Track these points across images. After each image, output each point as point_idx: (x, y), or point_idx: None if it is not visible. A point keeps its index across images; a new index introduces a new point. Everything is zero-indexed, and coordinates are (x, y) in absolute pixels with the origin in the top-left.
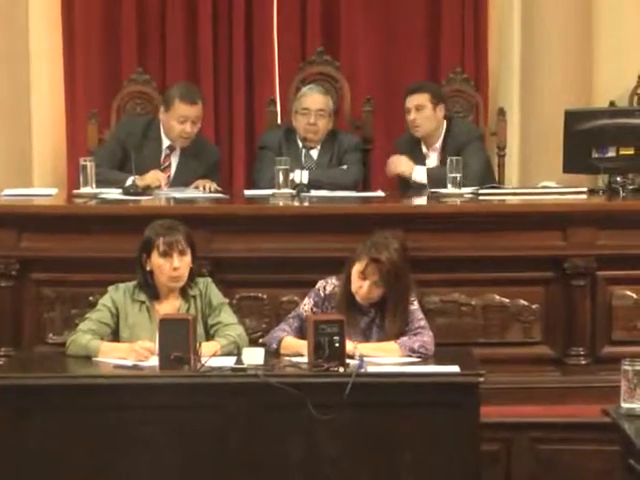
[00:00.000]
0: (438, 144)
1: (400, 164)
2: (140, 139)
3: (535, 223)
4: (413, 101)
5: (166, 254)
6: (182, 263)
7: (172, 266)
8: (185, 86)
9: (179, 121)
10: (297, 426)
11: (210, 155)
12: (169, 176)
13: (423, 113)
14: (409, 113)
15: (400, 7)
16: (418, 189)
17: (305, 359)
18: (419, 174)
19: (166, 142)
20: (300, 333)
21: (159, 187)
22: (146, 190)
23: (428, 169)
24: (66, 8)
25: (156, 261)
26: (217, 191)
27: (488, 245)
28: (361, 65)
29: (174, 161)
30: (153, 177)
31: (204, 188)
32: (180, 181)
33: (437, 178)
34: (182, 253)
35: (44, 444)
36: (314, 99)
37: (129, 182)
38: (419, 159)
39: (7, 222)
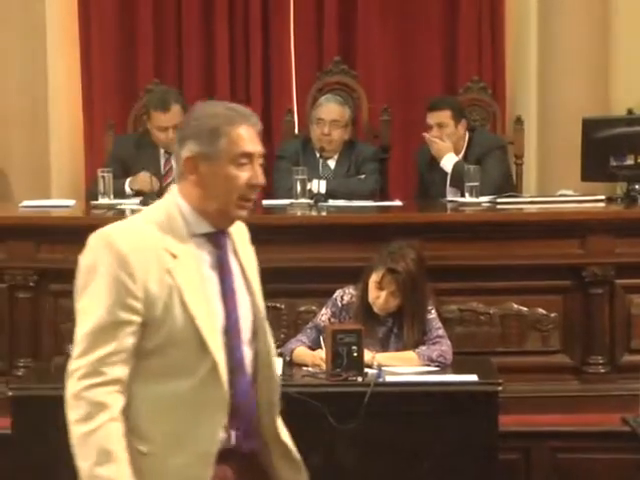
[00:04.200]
0: (460, 156)
1: (439, 144)
2: (135, 150)
3: (553, 232)
4: (434, 118)
5: None
6: None
7: None
8: (158, 93)
9: (159, 130)
10: (315, 436)
11: None
12: (173, 179)
13: (445, 131)
14: (431, 129)
15: (417, 16)
16: (435, 197)
17: (311, 369)
18: (447, 162)
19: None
20: (318, 344)
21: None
22: (141, 194)
23: (457, 162)
24: (83, 20)
25: None
26: None
27: (506, 254)
28: (378, 74)
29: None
30: (142, 181)
31: None
32: None
33: (461, 175)
34: None
35: (62, 455)
36: (329, 109)
37: (127, 187)
38: (440, 171)
39: (25, 233)
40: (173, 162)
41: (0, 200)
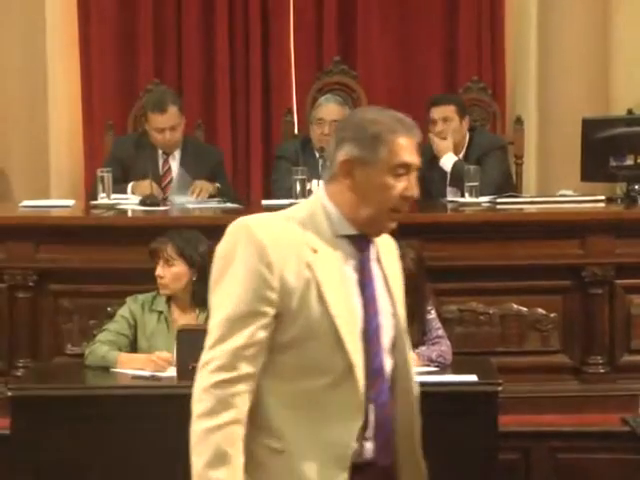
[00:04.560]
0: (461, 155)
1: (440, 143)
2: (134, 151)
3: (553, 232)
4: (439, 112)
5: (153, 261)
6: (166, 272)
7: (157, 273)
8: (156, 94)
9: (156, 131)
10: None
11: (212, 156)
12: (171, 179)
13: (450, 125)
14: (435, 125)
15: (417, 17)
16: (435, 197)
17: None
18: (447, 161)
19: None
20: None
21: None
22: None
23: (456, 161)
24: (83, 20)
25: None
26: (217, 191)
27: (506, 254)
28: (378, 75)
29: (174, 165)
30: (146, 189)
31: (199, 194)
32: (183, 185)
33: (460, 175)
34: (167, 263)
35: (62, 455)
36: (329, 109)
37: (129, 191)
38: (440, 170)
39: (25, 233)
40: (172, 162)
41: (0, 200)
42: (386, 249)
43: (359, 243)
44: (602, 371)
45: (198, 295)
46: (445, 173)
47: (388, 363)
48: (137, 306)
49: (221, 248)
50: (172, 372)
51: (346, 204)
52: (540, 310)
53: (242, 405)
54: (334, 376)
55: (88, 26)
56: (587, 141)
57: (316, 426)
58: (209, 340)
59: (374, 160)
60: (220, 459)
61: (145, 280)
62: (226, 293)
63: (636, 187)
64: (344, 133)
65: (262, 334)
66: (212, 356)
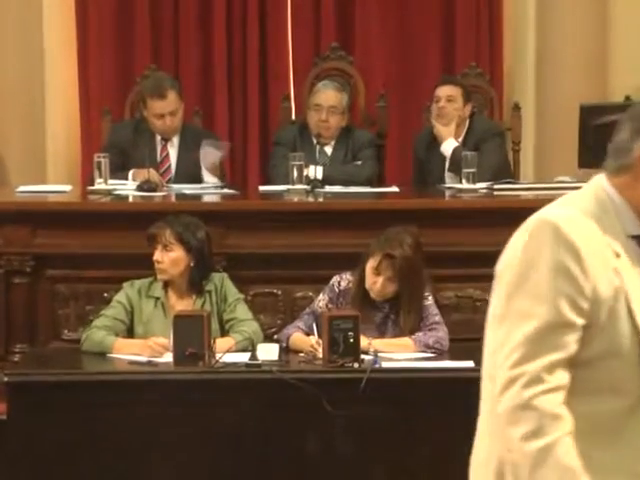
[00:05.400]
0: (460, 140)
1: (442, 128)
2: (133, 137)
3: None
4: (445, 91)
5: (150, 246)
6: (164, 257)
7: (155, 258)
8: (153, 80)
9: (156, 117)
10: (312, 422)
11: None
12: (169, 165)
13: (453, 104)
14: (439, 101)
15: (415, 2)
16: (433, 182)
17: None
18: (447, 146)
19: None
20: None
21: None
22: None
23: (456, 147)
24: (80, 5)
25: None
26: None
27: (503, 240)
28: (375, 61)
29: (172, 152)
30: (145, 176)
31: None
32: (182, 172)
33: (460, 161)
34: (165, 248)
35: (59, 440)
36: (327, 95)
37: (130, 177)
38: (439, 156)
39: (22, 218)
40: (170, 149)
41: None
42: None
43: None
44: None
45: (195, 281)
46: (444, 158)
47: None
48: (134, 291)
49: (520, 248)
50: (169, 358)
51: (638, 201)
52: None
53: (568, 415)
54: (634, 398)
55: (85, 12)
56: (585, 128)
57: (622, 454)
58: (513, 355)
59: None
60: (571, 476)
61: (142, 266)
62: (533, 301)
63: None
64: None
65: (573, 348)
66: (522, 371)
